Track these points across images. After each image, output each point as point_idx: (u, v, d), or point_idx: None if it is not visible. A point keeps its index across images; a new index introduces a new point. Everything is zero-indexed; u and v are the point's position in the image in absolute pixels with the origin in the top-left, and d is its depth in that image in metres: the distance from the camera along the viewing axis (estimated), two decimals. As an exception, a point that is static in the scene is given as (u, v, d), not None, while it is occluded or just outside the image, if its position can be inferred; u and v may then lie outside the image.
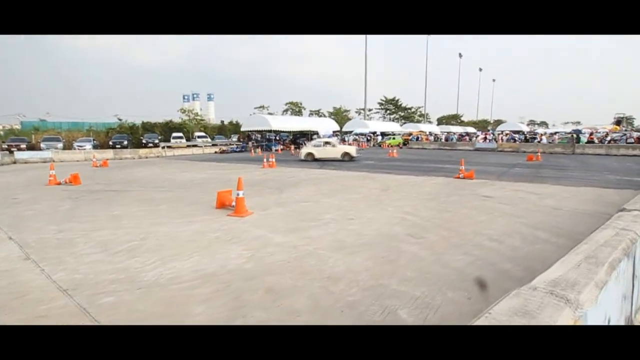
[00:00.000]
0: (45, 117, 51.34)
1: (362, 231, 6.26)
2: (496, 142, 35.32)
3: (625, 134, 32.56)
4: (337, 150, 22.33)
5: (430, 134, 46.59)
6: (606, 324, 1.60)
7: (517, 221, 6.96)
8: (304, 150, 23.10)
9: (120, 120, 41.89)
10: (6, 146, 27.37)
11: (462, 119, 77.70)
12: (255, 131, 38.58)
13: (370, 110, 61.02)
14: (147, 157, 29.50)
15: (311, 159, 22.19)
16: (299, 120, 41.58)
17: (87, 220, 7.28)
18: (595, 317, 1.47)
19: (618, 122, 46.32)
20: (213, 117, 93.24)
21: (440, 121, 75.51)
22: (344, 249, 5.27)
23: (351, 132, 44.20)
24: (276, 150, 33.96)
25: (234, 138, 41.97)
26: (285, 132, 39.67)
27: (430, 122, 69.88)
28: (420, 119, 67.79)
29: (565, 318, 1.34)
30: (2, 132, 38.14)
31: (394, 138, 40.80)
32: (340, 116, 56.65)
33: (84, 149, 29.29)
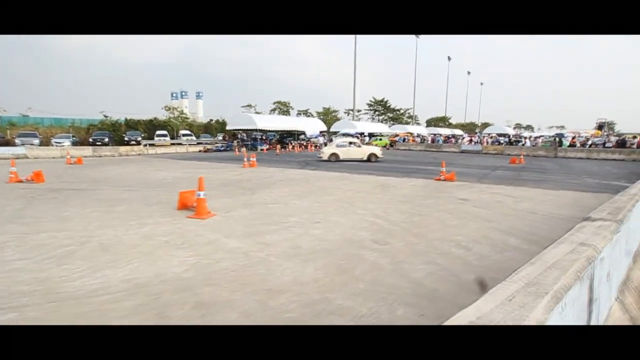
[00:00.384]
0: (27, 112, 49.85)
1: (325, 236, 5.85)
2: (481, 144, 35.37)
3: (604, 139, 32.95)
4: (363, 151, 21.44)
5: (418, 135, 46.54)
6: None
7: (489, 226, 6.64)
8: (327, 151, 21.48)
9: (106, 117, 40.77)
10: (-23, 142, 26.31)
11: (451, 121, 78.09)
12: (241, 130, 37.92)
13: (359, 111, 60.77)
14: (127, 155, 28.66)
15: (335, 159, 20.92)
16: (286, 120, 41.03)
17: (30, 221, 6.72)
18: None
19: (600, 127, 47.02)
20: (201, 115, 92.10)
21: (429, 123, 75.73)
22: (299, 256, 4.85)
23: (338, 132, 43.88)
24: (261, 149, 33.41)
25: (220, 137, 41.25)
26: (272, 131, 39.09)
27: (418, 123, 69.95)
28: (409, 120, 67.86)
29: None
30: (-24, 127, 36.78)
31: (380, 139, 40.55)
32: (329, 116, 56.28)
33: (63, 146, 28.32)
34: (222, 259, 4.73)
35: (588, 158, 27.31)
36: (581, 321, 1.76)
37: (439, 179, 13.18)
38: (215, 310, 3.36)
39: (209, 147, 35.14)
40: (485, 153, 32.40)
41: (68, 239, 5.62)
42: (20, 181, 11.86)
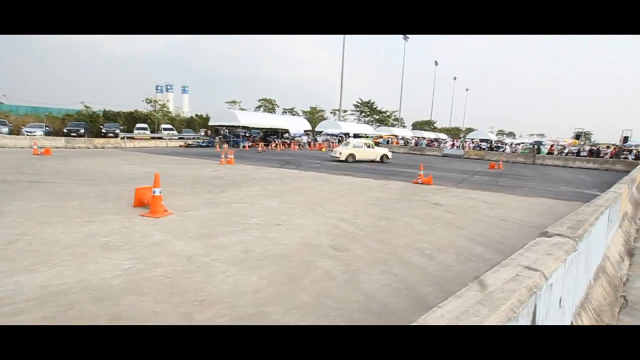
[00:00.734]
0: (2, 99, 47.73)
1: (282, 240, 5.47)
2: (463, 149, 35.58)
3: (580, 147, 33.68)
4: (376, 152, 22.25)
5: (402, 138, 46.59)
6: None
7: (458, 233, 6.38)
8: (345, 151, 21.46)
9: (87, 107, 39.33)
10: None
11: (436, 125, 78.77)
12: (223, 126, 37.13)
13: (345, 111, 60.58)
14: (103, 148, 27.64)
15: (352, 160, 21.24)
16: (270, 118, 40.33)
17: (-38, 215, 6.12)
18: None
19: (577, 136, 48.29)
20: (187, 110, 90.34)
21: (415, 126, 76.20)
22: (247, 262, 4.46)
23: (322, 132, 43.54)
24: (243, 146, 32.77)
25: (203, 132, 40.34)
26: (256, 128, 38.42)
27: (404, 126, 70.23)
28: (394, 123, 68.07)
29: None
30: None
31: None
32: (315, 116, 55.86)
33: (34, 135, 27.09)
34: (161, 264, 4.30)
35: (564, 166, 27.72)
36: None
37: (417, 182, 12.98)
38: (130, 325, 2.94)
39: (190, 142, 34.31)
40: (467, 158, 32.56)
41: (-4, 236, 5.08)
42: (-28, 171, 11.09)
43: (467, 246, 5.57)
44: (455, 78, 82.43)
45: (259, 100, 53.21)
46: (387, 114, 69.17)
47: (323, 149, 35.41)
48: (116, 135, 31.49)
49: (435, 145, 41.08)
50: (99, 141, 28.57)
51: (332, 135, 42.32)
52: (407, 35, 59.80)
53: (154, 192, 6.81)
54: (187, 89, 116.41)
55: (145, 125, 36.54)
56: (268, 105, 52.59)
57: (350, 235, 5.91)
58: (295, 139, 37.55)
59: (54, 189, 8.97)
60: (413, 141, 43.41)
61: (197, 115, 48.27)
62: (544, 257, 1.89)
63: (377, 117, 68.60)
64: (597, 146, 37.78)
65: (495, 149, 36.87)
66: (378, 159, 21.93)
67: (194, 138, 36.12)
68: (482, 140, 44.39)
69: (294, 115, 53.78)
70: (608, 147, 35.15)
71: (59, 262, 4.23)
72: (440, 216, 7.70)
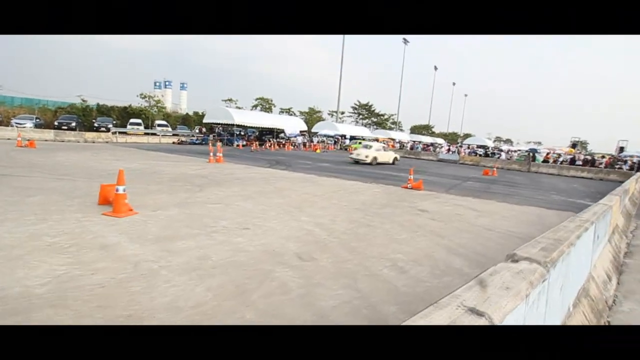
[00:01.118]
0: (-3, 90, 47.10)
1: (246, 246, 5.06)
2: (459, 154, 35.26)
3: (574, 156, 33.44)
4: (390, 155, 23.88)
5: (398, 142, 46.26)
6: None
7: (439, 243, 5.99)
8: (370, 154, 21.88)
9: (84, 101, 38.82)
10: None
11: (434, 130, 78.49)
12: (218, 124, 36.68)
13: (342, 113, 60.14)
14: (93, 142, 27.20)
15: (375, 162, 22.03)
16: (265, 117, 39.80)
17: None
18: None
19: (574, 145, 48.10)
20: (185, 107, 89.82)
21: (413, 130, 75.90)
22: (198, 270, 4.05)
23: (317, 133, 43.15)
24: (237, 145, 32.33)
25: (197, 130, 39.87)
26: (252, 127, 37.98)
27: (402, 130, 69.88)
28: (392, 126, 67.71)
29: None
30: None
31: (359, 143, 40.09)
32: (313, 117, 55.44)
33: (23, 127, 26.59)
34: (102, 270, 3.89)
35: (559, 174, 27.41)
36: None
37: (406, 187, 12.61)
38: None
39: (183, 139, 33.85)
40: (462, 163, 32.21)
41: None
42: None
43: (446, 258, 5.18)
44: (454, 84, 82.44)
45: (256, 99, 52.66)
46: (385, 117, 68.82)
47: (317, 150, 35.04)
48: (108, 130, 31.02)
49: (431, 149, 40.76)
50: (89, 135, 28.10)
51: (327, 136, 41.97)
52: (407, 40, 59.60)
53: (117, 190, 6.40)
54: (185, 85, 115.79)
55: (139, 121, 36.03)
56: (265, 105, 52.07)
57: (322, 242, 5.51)
58: (291, 139, 37.17)
59: (21, 183, 8.54)
60: (409, 145, 43.05)
61: (194, 112, 47.81)
62: (499, 293, 1.50)
63: (374, 119, 68.22)
64: (592, 155, 37.56)
65: (490, 155, 36.59)
66: (391, 162, 23.33)
67: (187, 135, 35.64)
68: (479, 147, 44.06)
69: (291, 115, 53.33)
70: (603, 157, 34.96)
71: (-13, 265, 3.82)
72: (424, 224, 7.31)
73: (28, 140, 19.46)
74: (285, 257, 4.70)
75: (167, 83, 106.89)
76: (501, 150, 39.61)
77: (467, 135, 72.55)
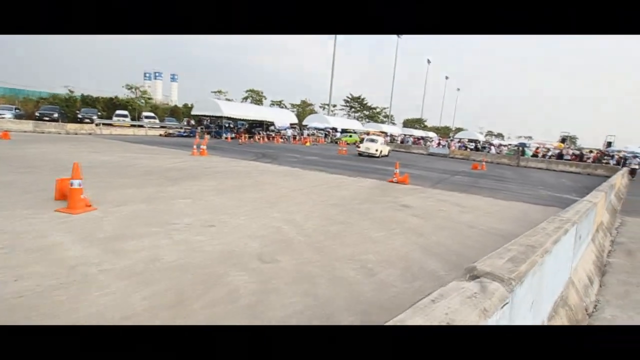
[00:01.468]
0: (-23, 80, 45.60)
1: (204, 246, 4.65)
2: (449, 148, 35.05)
3: (562, 151, 33.47)
4: (386, 148, 26.10)
5: (389, 135, 45.93)
6: None
7: (416, 241, 5.65)
8: (378, 147, 23.69)
9: (71, 92, 37.67)
10: None
11: (427, 124, 78.30)
12: (206, 116, 35.93)
13: (334, 106, 59.56)
14: (75, 134, 26.35)
15: (381, 155, 24.00)
16: (254, 109, 39.06)
17: None
18: None
19: (563, 140, 48.30)
20: (176, 99, 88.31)
21: (406, 124, 75.63)
22: (142, 275, 3.64)
23: (307, 125, 42.60)
24: (225, 138, 31.71)
25: (185, 122, 39.04)
26: (241, 120, 37.29)
27: (394, 123, 69.53)
28: (385, 119, 67.33)
29: None
30: None
31: (350, 136, 39.67)
32: (305, 109, 54.78)
33: (3, 118, 25.68)
34: (29, 275, 3.46)
35: (547, 169, 27.34)
36: None
37: (392, 181, 12.28)
38: None
39: (171, 131, 33.10)
40: (452, 157, 32.00)
41: None
42: None
43: (420, 259, 4.83)
44: (447, 77, 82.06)
45: (246, 91, 51.74)
46: (377, 110, 68.37)
47: (307, 143, 34.54)
48: (92, 122, 30.14)
49: (422, 143, 40.51)
50: (71, 127, 27.22)
51: (317, 129, 41.46)
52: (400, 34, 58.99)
53: (71, 185, 5.92)
54: (176, 77, 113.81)
55: (126, 113, 35.13)
56: (255, 97, 51.22)
57: (289, 241, 5.12)
58: (281, 132, 36.61)
59: (-23, 176, 8.00)
60: (399, 139, 42.74)
61: (184, 104, 46.81)
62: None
63: (367, 113, 67.75)
64: (581, 150, 37.68)
65: (481, 149, 36.46)
66: (386, 153, 25.41)
67: (175, 127, 34.86)
68: (470, 141, 43.92)
69: (282, 107, 52.60)
70: (591, 152, 35.07)
71: None
72: (403, 220, 6.97)
73: (3, 131, 18.66)
74: (245, 258, 4.31)
75: (157, 74, 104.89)
76: (491, 145, 39.50)
77: (459, 129, 72.53)
